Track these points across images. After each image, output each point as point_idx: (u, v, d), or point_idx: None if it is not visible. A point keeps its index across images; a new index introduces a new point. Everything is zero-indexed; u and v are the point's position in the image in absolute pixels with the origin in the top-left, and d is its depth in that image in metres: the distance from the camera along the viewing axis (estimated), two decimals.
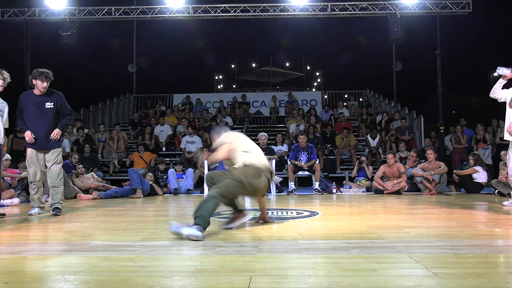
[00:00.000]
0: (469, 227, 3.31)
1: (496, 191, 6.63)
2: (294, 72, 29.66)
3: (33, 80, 4.57)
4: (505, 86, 4.86)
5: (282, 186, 8.14)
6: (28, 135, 4.52)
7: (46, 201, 5.07)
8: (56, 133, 4.61)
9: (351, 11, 10.70)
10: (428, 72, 15.24)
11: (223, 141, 3.39)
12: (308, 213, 4.34)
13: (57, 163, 4.67)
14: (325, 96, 15.57)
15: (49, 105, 4.61)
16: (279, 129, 12.43)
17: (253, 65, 33.84)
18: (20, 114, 4.62)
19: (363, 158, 8.63)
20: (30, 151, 4.58)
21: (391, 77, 15.42)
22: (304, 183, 9.31)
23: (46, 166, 4.64)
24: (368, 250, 2.39)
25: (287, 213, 4.35)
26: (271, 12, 10.83)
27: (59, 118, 4.74)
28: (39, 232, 3.47)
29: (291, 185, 7.75)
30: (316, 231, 3.21)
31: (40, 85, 4.55)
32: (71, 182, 7.18)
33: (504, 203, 4.92)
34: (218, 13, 10.91)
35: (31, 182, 4.59)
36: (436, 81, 10.63)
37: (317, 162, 8.01)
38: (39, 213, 4.56)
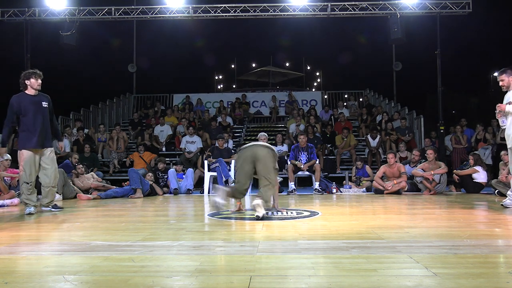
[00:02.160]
0: (469, 227, 3.31)
1: (496, 191, 6.62)
2: (294, 72, 29.59)
3: (26, 81, 4.74)
4: None
5: (282, 186, 8.13)
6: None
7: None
8: (62, 146, 5.38)
9: (351, 11, 10.70)
10: (428, 72, 15.21)
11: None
12: (308, 213, 4.34)
13: (54, 163, 4.91)
14: (325, 96, 15.57)
15: (45, 104, 4.84)
16: (279, 129, 12.43)
17: (253, 65, 33.77)
18: (14, 119, 4.68)
19: (358, 163, 8.60)
20: (26, 153, 4.69)
21: (391, 77, 15.42)
22: (304, 183, 9.30)
23: (39, 166, 4.79)
24: (368, 250, 2.39)
25: (287, 213, 4.34)
26: (271, 12, 10.83)
27: (51, 118, 4.97)
28: (39, 232, 3.47)
29: (291, 185, 7.75)
30: (316, 231, 3.21)
31: (35, 83, 4.74)
32: (71, 182, 7.18)
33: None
34: (218, 13, 10.91)
35: (27, 183, 4.68)
36: (436, 81, 10.62)
37: (317, 162, 8.00)
38: (35, 212, 4.63)
